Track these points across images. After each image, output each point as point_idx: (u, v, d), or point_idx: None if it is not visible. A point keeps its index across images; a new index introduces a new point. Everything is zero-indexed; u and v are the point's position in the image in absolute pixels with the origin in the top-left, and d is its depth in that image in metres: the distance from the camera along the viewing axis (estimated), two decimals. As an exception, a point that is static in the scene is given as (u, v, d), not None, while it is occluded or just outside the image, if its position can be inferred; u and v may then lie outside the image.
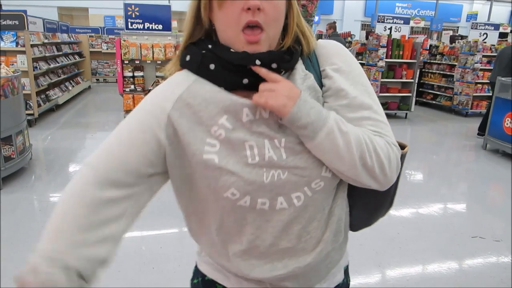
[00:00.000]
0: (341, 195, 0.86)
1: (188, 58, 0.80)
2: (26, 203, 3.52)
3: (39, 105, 6.47)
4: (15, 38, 6.13)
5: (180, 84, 0.79)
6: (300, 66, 0.80)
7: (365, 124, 0.78)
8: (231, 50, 0.74)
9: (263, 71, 0.73)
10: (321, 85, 0.81)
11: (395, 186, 0.91)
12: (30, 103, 6.17)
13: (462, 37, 10.14)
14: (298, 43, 0.80)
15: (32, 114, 6.17)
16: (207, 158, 0.74)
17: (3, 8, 13.12)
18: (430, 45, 9.80)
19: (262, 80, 0.74)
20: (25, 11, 6.33)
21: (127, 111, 6.20)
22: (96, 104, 8.95)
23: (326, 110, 0.75)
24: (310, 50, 0.83)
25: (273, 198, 0.76)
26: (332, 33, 7.71)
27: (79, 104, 8.52)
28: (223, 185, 0.74)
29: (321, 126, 0.72)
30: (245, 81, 0.75)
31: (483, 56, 8.10)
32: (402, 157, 0.86)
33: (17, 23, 6.18)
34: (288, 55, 0.77)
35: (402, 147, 0.88)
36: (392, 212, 3.63)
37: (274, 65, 0.74)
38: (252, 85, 0.75)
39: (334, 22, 7.94)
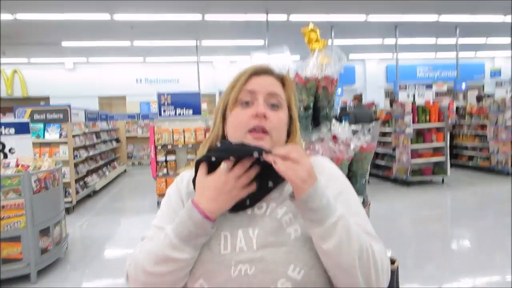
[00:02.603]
0: None
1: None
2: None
3: (77, 192, 6.73)
4: (59, 130, 6.62)
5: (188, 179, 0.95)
6: None
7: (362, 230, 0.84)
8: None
9: (282, 152, 0.79)
10: None
11: None
12: (69, 191, 6.45)
13: (489, 95, 10.07)
14: None
15: (71, 202, 6.41)
16: None
17: (51, 101, 14.51)
18: (457, 107, 9.74)
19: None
20: (69, 105, 6.91)
21: (160, 195, 6.34)
22: (131, 188, 9.24)
23: (334, 201, 0.81)
24: None
25: None
26: (356, 104, 7.88)
27: (115, 189, 8.82)
28: (193, 274, 0.83)
29: (330, 213, 0.77)
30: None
31: (515, 113, 7.92)
32: (394, 272, 0.92)
33: (62, 116, 6.73)
34: None
35: (392, 261, 0.94)
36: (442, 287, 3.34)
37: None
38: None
39: (360, 94, 8.15)
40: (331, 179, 0.93)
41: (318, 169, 0.94)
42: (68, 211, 6.23)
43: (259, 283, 0.80)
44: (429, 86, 8.36)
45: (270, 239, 0.83)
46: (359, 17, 10.05)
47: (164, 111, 6.70)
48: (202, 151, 0.96)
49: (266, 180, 0.85)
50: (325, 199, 0.78)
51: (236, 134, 0.88)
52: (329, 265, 0.80)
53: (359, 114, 7.41)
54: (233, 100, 0.89)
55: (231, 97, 0.90)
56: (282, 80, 0.93)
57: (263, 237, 0.83)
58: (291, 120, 0.95)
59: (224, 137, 0.94)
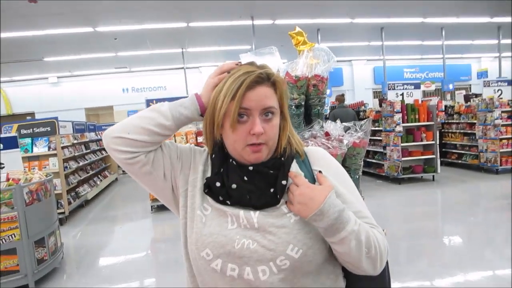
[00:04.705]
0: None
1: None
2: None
3: (69, 203, 6.65)
4: (47, 143, 6.54)
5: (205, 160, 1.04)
6: (294, 166, 0.98)
7: (360, 218, 0.92)
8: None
9: (292, 176, 0.93)
10: (313, 181, 0.97)
11: (388, 274, 1.11)
12: (61, 202, 6.37)
13: (476, 95, 10.22)
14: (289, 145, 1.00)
15: (63, 213, 6.33)
16: (199, 214, 0.95)
17: (37, 116, 14.30)
18: (446, 106, 9.86)
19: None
20: (56, 118, 6.83)
21: (154, 200, 6.30)
22: (123, 196, 9.17)
23: (347, 213, 0.86)
24: (301, 153, 1.01)
25: (242, 266, 0.87)
26: (338, 105, 7.95)
27: (107, 198, 8.74)
28: (201, 243, 0.90)
29: (341, 228, 0.84)
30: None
31: (502, 112, 8.03)
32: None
33: (49, 129, 6.63)
34: (281, 160, 0.96)
35: None
36: (434, 283, 3.38)
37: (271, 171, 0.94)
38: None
39: (342, 95, 8.21)
40: (326, 166, 1.01)
41: (317, 155, 1.03)
42: (61, 222, 6.14)
43: (259, 257, 0.87)
44: (417, 86, 8.47)
45: (271, 220, 0.90)
46: (345, 20, 10.17)
47: (155, 117, 6.68)
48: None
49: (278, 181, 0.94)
50: (335, 214, 0.84)
51: (235, 146, 0.93)
52: (339, 256, 0.90)
53: (338, 114, 7.36)
54: (228, 114, 0.91)
55: (225, 112, 0.91)
56: (273, 84, 0.94)
57: (264, 218, 0.90)
58: (283, 116, 0.97)
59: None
